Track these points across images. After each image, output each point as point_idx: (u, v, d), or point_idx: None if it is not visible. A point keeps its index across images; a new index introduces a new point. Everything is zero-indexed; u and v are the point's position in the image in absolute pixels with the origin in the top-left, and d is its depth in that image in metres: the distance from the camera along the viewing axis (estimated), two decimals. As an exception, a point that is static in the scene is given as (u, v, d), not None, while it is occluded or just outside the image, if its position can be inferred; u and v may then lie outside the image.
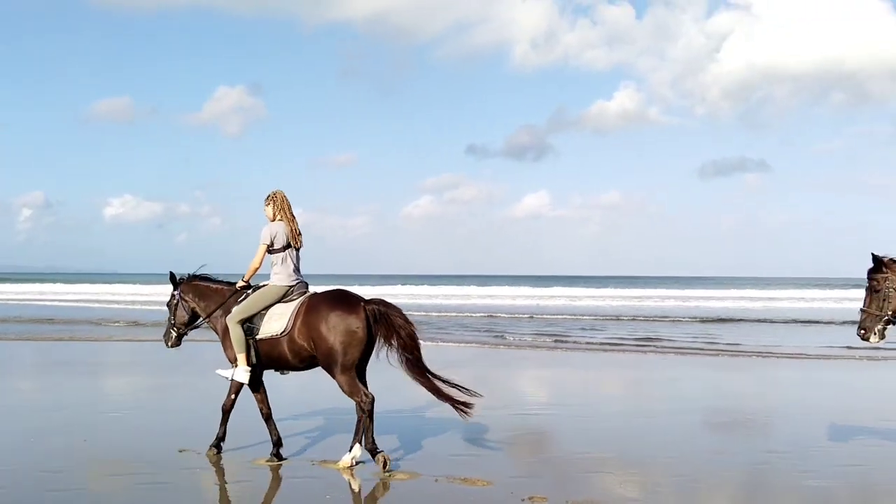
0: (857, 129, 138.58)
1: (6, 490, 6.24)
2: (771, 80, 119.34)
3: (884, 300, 6.46)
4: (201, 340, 12.07)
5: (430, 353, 7.32)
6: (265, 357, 7.22)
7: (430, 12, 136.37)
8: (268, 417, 7.41)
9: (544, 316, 31.59)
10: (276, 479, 6.77)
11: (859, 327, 6.60)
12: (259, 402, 7.44)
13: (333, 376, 6.96)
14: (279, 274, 7.28)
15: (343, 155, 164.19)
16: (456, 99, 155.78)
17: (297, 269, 7.38)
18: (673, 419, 9.80)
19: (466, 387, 7.08)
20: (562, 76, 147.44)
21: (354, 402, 6.95)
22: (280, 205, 7.41)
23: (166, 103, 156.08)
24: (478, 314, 32.20)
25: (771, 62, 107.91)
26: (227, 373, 7.31)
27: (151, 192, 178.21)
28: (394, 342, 7.02)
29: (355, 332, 6.87)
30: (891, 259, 6.51)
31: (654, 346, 19.50)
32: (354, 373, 6.95)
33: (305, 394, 10.63)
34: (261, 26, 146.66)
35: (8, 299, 44.73)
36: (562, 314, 33.01)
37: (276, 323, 7.10)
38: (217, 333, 7.57)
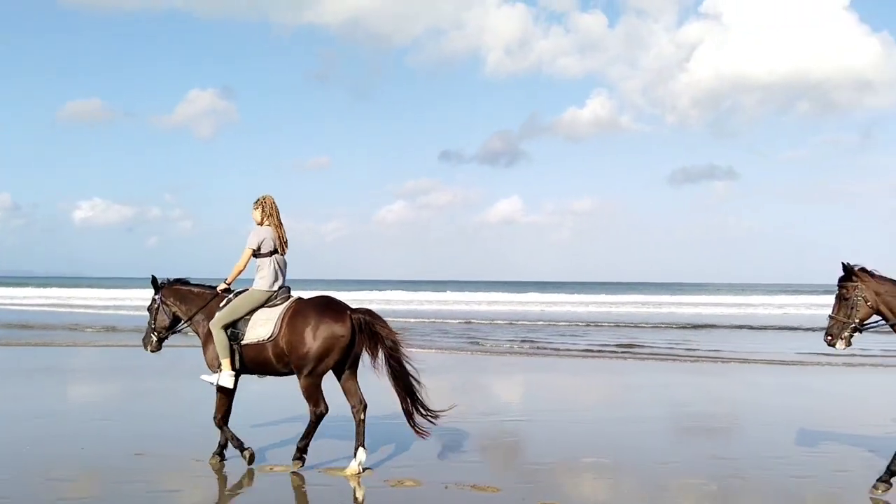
0: (822, 138, 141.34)
1: (10, 501, 6.17)
2: (739, 90, 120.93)
3: (852, 308, 6.60)
4: (181, 346, 11.95)
5: (413, 359, 7.35)
6: (250, 362, 7.22)
7: (404, 18, 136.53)
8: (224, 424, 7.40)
9: (523, 322, 31.74)
10: (286, 488, 6.77)
11: (827, 333, 6.75)
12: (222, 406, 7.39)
13: (299, 378, 7.06)
14: (264, 279, 7.28)
15: (316, 159, 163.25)
16: (430, 104, 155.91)
17: (282, 275, 7.39)
18: (661, 425, 9.95)
19: (438, 412, 7.26)
20: (535, 83, 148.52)
21: (309, 409, 7.08)
22: (269, 210, 7.43)
23: (137, 106, 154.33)
24: (455, 320, 32.23)
25: (739, 72, 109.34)
26: (212, 378, 7.23)
27: (121, 195, 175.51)
28: (378, 352, 7.11)
29: (339, 339, 6.94)
30: (861, 268, 6.65)
31: (633, 352, 19.70)
32: (320, 381, 7.06)
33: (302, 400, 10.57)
34: (233, 29, 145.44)
35: (-24, 304, 43.87)
36: (541, 320, 33.19)
37: (262, 328, 7.10)
38: (199, 337, 7.56)
